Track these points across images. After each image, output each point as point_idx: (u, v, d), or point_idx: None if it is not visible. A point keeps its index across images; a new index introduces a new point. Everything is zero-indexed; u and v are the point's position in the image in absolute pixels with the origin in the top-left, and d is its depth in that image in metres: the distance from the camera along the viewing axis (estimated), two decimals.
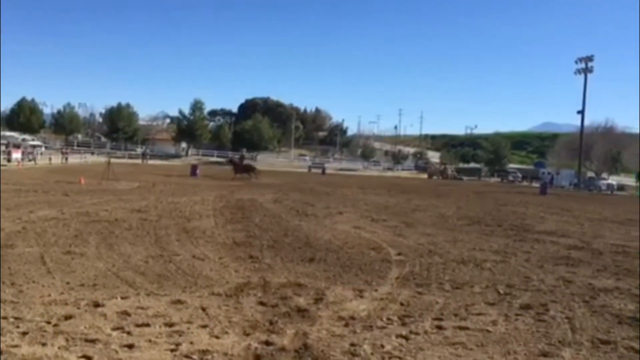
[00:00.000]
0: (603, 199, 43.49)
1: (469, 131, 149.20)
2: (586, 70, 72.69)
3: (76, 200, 17.71)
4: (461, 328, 5.76)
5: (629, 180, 77.05)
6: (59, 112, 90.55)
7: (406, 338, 5.36)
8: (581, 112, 73.83)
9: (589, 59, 72.78)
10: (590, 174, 77.60)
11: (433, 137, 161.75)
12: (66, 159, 53.24)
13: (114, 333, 5.12)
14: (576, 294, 7.69)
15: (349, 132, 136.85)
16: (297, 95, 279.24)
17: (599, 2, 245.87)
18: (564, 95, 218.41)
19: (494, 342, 5.39)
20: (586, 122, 76.63)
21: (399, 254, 10.37)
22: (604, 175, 77.04)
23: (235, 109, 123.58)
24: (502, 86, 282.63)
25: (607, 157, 78.88)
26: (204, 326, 5.44)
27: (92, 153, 71.80)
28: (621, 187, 67.04)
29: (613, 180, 72.20)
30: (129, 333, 5.14)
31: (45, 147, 67.60)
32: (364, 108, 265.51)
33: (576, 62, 74.07)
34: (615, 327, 6.11)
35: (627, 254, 12.03)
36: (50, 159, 50.86)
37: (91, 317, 5.54)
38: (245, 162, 47.18)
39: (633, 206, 34.42)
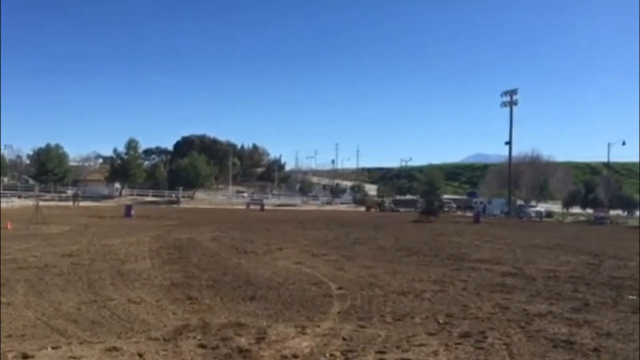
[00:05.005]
0: (533, 226, 45.17)
1: (403, 164, 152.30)
2: (511, 103, 76.11)
3: (2, 246, 16.83)
4: None
5: (556, 207, 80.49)
6: None
7: None
8: (509, 143, 77.03)
9: (514, 92, 76.35)
10: (520, 202, 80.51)
11: (369, 171, 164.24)
12: None
13: None
14: (512, 320, 7.90)
15: (287, 167, 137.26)
16: (234, 132, 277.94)
17: (522, 39, 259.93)
18: (492, 127, 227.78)
19: None
20: (514, 152, 79.97)
21: (340, 288, 10.38)
22: (533, 202, 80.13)
23: (170, 147, 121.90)
24: (434, 120, 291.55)
25: (535, 185, 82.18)
26: None
27: (19, 197, 68.75)
28: (549, 214, 69.80)
29: (541, 207, 75.13)
30: None
31: None
32: (301, 143, 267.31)
33: (501, 96, 77.59)
34: (550, 351, 6.30)
35: (558, 279, 12.50)
36: None
37: None
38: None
39: (560, 232, 35.98)
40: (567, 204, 78.94)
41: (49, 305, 8.41)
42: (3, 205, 52.09)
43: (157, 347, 6.13)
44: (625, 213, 71.86)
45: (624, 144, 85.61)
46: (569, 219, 67.23)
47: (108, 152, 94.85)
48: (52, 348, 6.03)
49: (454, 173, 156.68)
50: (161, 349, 6.09)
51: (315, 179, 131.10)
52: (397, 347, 6.29)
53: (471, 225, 41.82)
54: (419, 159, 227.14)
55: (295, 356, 5.86)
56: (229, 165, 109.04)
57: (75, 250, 16.10)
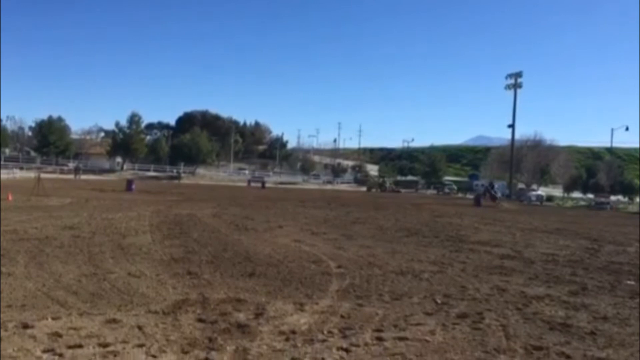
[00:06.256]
0: (533, 210, 45.21)
1: (405, 144, 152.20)
2: (515, 86, 75.80)
3: (3, 217, 16.89)
4: (401, 339, 5.83)
5: (557, 191, 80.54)
6: None
7: (347, 350, 5.37)
8: (512, 126, 76.89)
9: (518, 75, 76.01)
10: (520, 185, 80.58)
11: (371, 151, 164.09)
12: None
13: (45, 355, 4.90)
14: (510, 302, 7.94)
15: (289, 146, 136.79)
16: (237, 108, 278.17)
17: (528, 22, 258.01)
18: (495, 109, 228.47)
19: (432, 351, 5.48)
20: (516, 136, 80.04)
21: (339, 267, 10.42)
22: (534, 186, 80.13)
23: (173, 122, 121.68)
24: (437, 101, 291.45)
25: (536, 169, 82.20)
26: (141, 345, 5.28)
27: (21, 168, 68.85)
28: (549, 198, 69.84)
29: (542, 191, 75.13)
30: (60, 355, 4.92)
31: None
32: (304, 122, 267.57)
33: (506, 78, 77.22)
34: (546, 333, 6.34)
35: (557, 262, 12.54)
36: None
37: (20, 340, 5.28)
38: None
39: (560, 216, 36.03)
40: (568, 188, 79.02)
41: (50, 276, 8.45)
42: (4, 176, 52.14)
43: (157, 320, 6.17)
44: (626, 199, 71.93)
45: (627, 129, 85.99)
46: (569, 203, 67.29)
47: (110, 126, 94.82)
48: (52, 319, 6.07)
49: (455, 155, 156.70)
50: (160, 322, 6.13)
51: (316, 158, 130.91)
52: (395, 326, 6.33)
53: (471, 207, 41.86)
54: (421, 140, 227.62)
55: (293, 332, 5.90)
56: (231, 142, 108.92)
57: (76, 223, 16.14)
